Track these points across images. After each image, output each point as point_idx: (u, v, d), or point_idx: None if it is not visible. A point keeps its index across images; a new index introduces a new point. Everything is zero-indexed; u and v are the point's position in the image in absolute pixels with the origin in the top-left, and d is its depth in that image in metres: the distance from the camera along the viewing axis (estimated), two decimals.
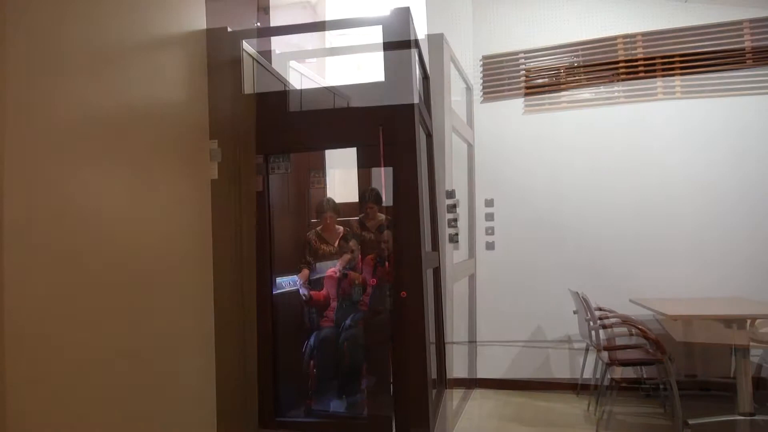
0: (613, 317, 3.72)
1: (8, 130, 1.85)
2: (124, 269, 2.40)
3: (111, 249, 2.33)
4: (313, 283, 3.86)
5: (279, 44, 4.66)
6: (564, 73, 4.30)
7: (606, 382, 3.48)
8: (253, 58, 3.64)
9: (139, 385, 2.48)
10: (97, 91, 2.30)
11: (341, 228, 4.31)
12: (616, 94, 4.19)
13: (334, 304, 3.73)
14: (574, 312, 3.86)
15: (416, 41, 3.53)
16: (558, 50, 4.30)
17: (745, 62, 3.98)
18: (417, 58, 3.65)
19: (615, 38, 4.18)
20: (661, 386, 3.58)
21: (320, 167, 4.24)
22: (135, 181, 2.53)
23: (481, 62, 4.44)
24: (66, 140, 2.10)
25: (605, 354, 3.28)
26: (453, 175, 4.44)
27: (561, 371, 4.19)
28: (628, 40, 4.16)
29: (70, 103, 2.13)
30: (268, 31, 4.78)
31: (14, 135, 1.88)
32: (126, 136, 2.48)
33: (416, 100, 3.34)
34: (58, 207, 2.05)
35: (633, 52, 4.15)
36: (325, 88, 4.40)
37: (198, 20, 3.23)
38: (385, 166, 3.27)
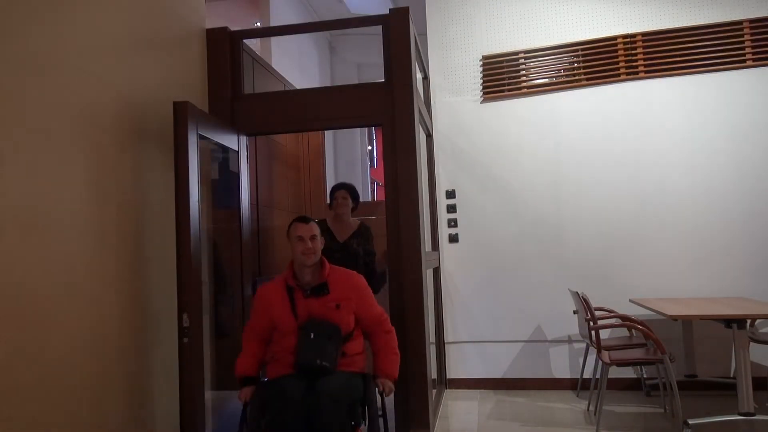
0: (613, 317, 3.72)
1: (6, 126, 1.85)
2: (122, 266, 2.40)
3: (109, 247, 2.33)
4: None
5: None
6: (564, 74, 4.30)
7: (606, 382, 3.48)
8: (253, 58, 3.64)
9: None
10: (97, 91, 2.30)
11: (357, 221, 3.62)
12: (615, 93, 4.19)
13: (292, 338, 2.34)
14: (574, 312, 3.86)
15: (416, 41, 3.53)
16: (558, 50, 4.30)
17: (745, 62, 3.98)
18: (417, 57, 3.65)
19: (615, 38, 4.18)
20: (661, 386, 3.58)
21: None
22: (134, 181, 2.53)
23: (481, 62, 4.43)
24: (65, 139, 2.10)
25: (605, 354, 3.28)
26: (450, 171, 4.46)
27: (561, 371, 4.19)
28: (628, 40, 4.16)
29: (70, 102, 2.13)
30: (267, 31, 4.79)
31: (10, 132, 1.87)
32: (126, 135, 2.48)
33: (416, 100, 3.34)
34: (54, 206, 2.05)
35: (633, 52, 4.15)
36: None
37: (198, 20, 3.23)
38: (384, 166, 3.27)
